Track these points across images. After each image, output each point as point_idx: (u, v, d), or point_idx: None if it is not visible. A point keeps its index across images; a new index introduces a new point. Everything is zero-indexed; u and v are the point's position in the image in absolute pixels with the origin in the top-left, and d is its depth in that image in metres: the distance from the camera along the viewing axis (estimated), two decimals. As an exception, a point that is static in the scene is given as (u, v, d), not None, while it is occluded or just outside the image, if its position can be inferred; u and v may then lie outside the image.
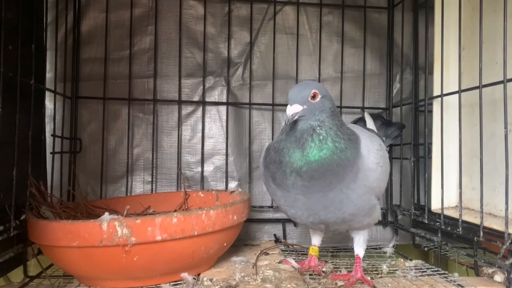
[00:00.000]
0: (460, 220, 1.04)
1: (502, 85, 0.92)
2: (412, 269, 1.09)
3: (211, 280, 0.93)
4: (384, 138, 1.25)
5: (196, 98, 1.47)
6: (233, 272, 0.98)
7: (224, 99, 1.47)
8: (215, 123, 1.48)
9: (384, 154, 0.98)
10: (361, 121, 1.30)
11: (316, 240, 1.10)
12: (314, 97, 0.87)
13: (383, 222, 1.46)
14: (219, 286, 0.90)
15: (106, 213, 0.87)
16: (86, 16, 1.42)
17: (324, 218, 0.91)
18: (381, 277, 1.05)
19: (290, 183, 0.87)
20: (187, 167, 1.46)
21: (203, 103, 1.47)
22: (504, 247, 0.90)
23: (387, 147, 1.24)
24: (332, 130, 0.87)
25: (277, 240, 1.39)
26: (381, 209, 1.22)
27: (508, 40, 0.92)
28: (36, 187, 1.05)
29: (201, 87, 1.47)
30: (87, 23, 1.42)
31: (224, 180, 1.44)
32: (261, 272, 0.99)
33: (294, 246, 1.33)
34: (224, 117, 1.46)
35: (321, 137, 0.86)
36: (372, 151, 0.92)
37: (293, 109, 0.85)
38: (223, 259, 1.10)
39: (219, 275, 0.98)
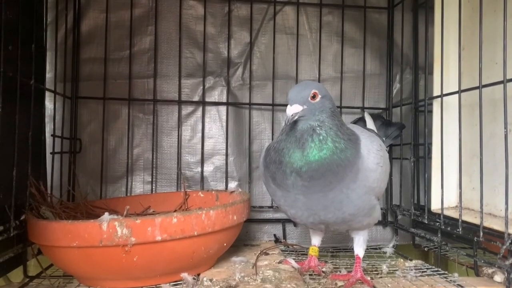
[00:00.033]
0: (460, 220, 1.04)
1: (502, 85, 0.92)
2: (412, 269, 1.09)
3: (211, 280, 0.93)
4: (384, 138, 1.25)
5: (196, 98, 1.47)
6: (233, 272, 0.98)
7: (224, 99, 1.47)
8: (215, 123, 1.48)
9: (384, 154, 0.98)
10: (361, 121, 1.30)
11: (316, 240, 1.10)
12: (314, 97, 0.87)
13: (383, 222, 1.46)
14: (219, 286, 0.90)
15: (106, 213, 0.87)
16: (86, 16, 1.42)
17: (324, 218, 0.91)
18: (381, 277, 1.05)
19: (290, 183, 0.87)
20: (187, 167, 1.46)
21: (203, 103, 1.47)
22: (504, 247, 0.90)
23: (387, 147, 1.24)
24: (332, 130, 0.87)
25: (277, 240, 1.39)
26: (381, 209, 1.22)
27: (508, 40, 0.92)
28: (36, 187, 1.05)
29: (201, 87, 1.47)
30: (87, 23, 1.42)
31: (224, 180, 1.44)
32: (261, 272, 0.99)
33: (294, 246, 1.33)
34: (224, 117, 1.46)
35: (321, 137, 0.86)
36: (372, 151, 0.91)
37: (293, 109, 0.85)
38: (223, 259, 1.10)
39: (219, 275, 0.98)
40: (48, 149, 1.25)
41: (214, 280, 0.93)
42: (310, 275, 1.03)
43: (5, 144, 0.95)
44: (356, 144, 0.89)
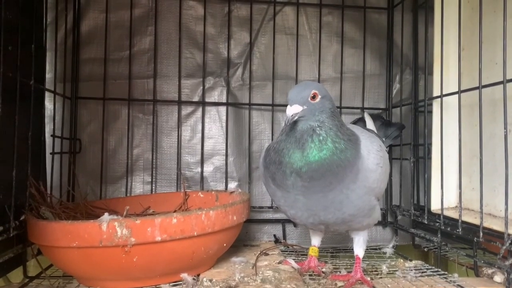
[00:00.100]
0: (459, 221, 1.04)
1: (501, 85, 0.92)
2: (411, 270, 1.09)
3: (210, 280, 0.93)
4: (384, 139, 1.25)
5: (196, 98, 1.47)
6: (232, 273, 0.98)
7: (224, 100, 1.47)
8: (215, 123, 1.48)
9: (384, 155, 0.98)
10: (361, 122, 1.30)
11: (315, 241, 1.10)
12: (314, 97, 0.87)
13: (382, 223, 1.46)
14: (218, 287, 0.90)
15: (106, 214, 0.87)
16: (86, 16, 1.42)
17: (324, 219, 0.91)
18: (381, 277, 1.05)
19: (290, 183, 0.87)
20: (187, 167, 1.46)
21: (203, 103, 1.47)
22: (504, 247, 0.90)
23: (387, 147, 1.24)
24: (332, 130, 0.87)
25: (276, 241, 1.39)
26: (381, 209, 1.22)
27: (508, 41, 0.92)
28: (35, 188, 1.05)
29: (201, 87, 1.47)
30: (87, 23, 1.42)
31: (224, 181, 1.44)
32: (260, 272, 0.99)
33: (294, 247, 1.33)
34: (224, 118, 1.46)
35: (321, 138, 0.86)
36: (372, 152, 0.91)
37: (293, 110, 0.85)
38: (223, 260, 1.10)
39: (219, 276, 0.98)
40: (48, 149, 1.25)
41: (214, 280, 0.93)
42: (310, 275, 1.03)
43: (5, 144, 0.95)
44: (356, 145, 0.89)
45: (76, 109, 1.39)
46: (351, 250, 1.05)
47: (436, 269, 1.10)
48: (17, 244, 1.01)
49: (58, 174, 1.28)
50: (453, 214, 1.13)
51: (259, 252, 1.17)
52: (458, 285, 0.97)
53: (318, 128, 0.86)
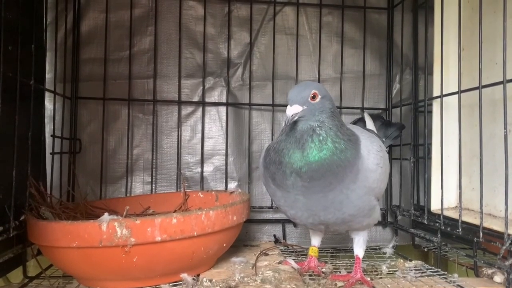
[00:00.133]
0: (459, 221, 1.04)
1: (501, 85, 0.92)
2: (411, 270, 1.09)
3: (210, 280, 0.93)
4: (384, 139, 1.25)
5: (196, 98, 1.47)
6: (232, 273, 0.98)
7: (224, 100, 1.47)
8: (215, 123, 1.48)
9: (384, 155, 0.98)
10: (360, 122, 1.30)
11: (315, 241, 1.10)
12: (314, 97, 0.87)
13: (382, 223, 1.46)
14: (218, 287, 0.90)
15: (106, 214, 0.87)
16: (86, 16, 1.42)
17: (324, 219, 0.91)
18: (381, 277, 1.05)
19: (290, 183, 0.87)
20: (187, 167, 1.46)
21: (202, 103, 1.47)
22: (504, 247, 0.90)
23: (387, 147, 1.24)
24: (332, 130, 0.87)
25: (276, 241, 1.39)
26: (381, 209, 1.22)
27: (508, 41, 0.92)
28: (35, 188, 1.05)
29: (201, 87, 1.47)
30: (87, 23, 1.42)
31: (224, 181, 1.44)
32: (260, 272, 0.99)
33: (294, 247, 1.33)
34: (224, 118, 1.46)
35: (321, 138, 0.86)
36: (372, 152, 0.91)
37: (293, 110, 0.85)
38: (223, 260, 1.10)
39: (219, 276, 0.98)
40: (48, 149, 1.25)
41: (213, 280, 0.93)
42: (310, 275, 1.03)
43: (5, 145, 0.95)
44: (356, 145, 0.89)
45: (76, 109, 1.39)
46: (351, 250, 1.05)
47: (436, 269, 1.10)
48: (17, 244, 1.01)
49: (58, 174, 1.28)
50: (453, 214, 1.13)
51: (259, 252, 1.17)
52: (458, 285, 0.97)
53: (318, 128, 0.86)
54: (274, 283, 0.91)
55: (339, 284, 0.96)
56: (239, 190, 1.23)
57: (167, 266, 0.92)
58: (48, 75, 1.31)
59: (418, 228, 1.35)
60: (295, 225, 1.43)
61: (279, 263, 1.07)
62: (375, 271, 1.11)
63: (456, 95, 1.09)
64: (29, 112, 1.06)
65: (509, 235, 0.90)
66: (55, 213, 1.07)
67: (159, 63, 1.46)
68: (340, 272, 1.05)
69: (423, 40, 1.30)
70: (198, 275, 0.99)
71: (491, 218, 1.06)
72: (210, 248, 0.97)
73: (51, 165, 1.25)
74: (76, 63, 1.39)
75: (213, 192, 1.29)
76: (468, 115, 1.15)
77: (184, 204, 1.30)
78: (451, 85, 1.15)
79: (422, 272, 1.08)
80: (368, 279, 0.98)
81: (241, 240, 1.33)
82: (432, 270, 1.10)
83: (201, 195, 1.30)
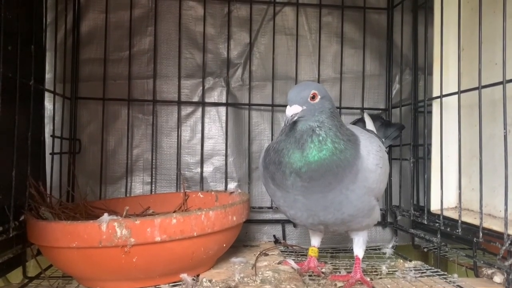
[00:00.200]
0: (459, 221, 1.04)
1: (501, 86, 0.92)
2: (411, 270, 1.09)
3: (210, 281, 0.93)
4: (383, 139, 1.25)
5: (196, 98, 1.47)
6: (232, 273, 0.98)
7: (223, 100, 1.47)
8: (215, 123, 1.48)
9: (383, 155, 0.98)
10: (360, 122, 1.30)
11: (315, 241, 1.10)
12: (313, 97, 0.87)
13: (382, 223, 1.46)
14: (218, 287, 0.90)
15: (106, 214, 0.87)
16: (86, 16, 1.42)
17: (324, 219, 0.91)
18: (381, 278, 1.05)
19: (289, 183, 0.87)
20: (187, 167, 1.46)
21: (202, 103, 1.47)
22: (504, 248, 0.90)
23: (386, 148, 1.25)
24: (332, 131, 0.87)
25: (276, 241, 1.39)
26: (381, 210, 1.22)
27: (507, 41, 0.92)
28: (35, 188, 1.05)
29: (201, 87, 1.47)
30: (87, 23, 1.42)
31: (224, 181, 1.44)
32: (260, 273, 0.99)
33: (294, 247, 1.33)
34: (224, 118, 1.46)
35: (320, 138, 0.86)
36: (372, 152, 0.91)
37: (292, 110, 0.85)
38: (223, 260, 1.10)
39: (219, 276, 0.98)
40: (48, 149, 1.25)
41: (213, 281, 0.93)
42: (310, 276, 1.03)
43: (5, 145, 0.95)
44: (355, 145, 0.89)
45: (75, 109, 1.39)
46: (350, 250, 1.05)
47: (435, 270, 1.10)
48: (16, 245, 1.01)
49: (58, 174, 1.28)
50: (453, 215, 1.13)
51: (258, 253, 1.17)
52: (458, 285, 0.97)
53: (317, 129, 0.86)
54: (274, 283, 0.91)
55: (339, 284, 0.96)
56: (239, 191, 1.23)
57: (167, 267, 0.92)
58: (48, 75, 1.31)
59: (417, 228, 1.35)
60: (294, 225, 1.43)
61: (279, 263, 1.07)
62: (375, 271, 1.11)
63: (456, 96, 1.09)
64: (29, 112, 1.06)
65: (508, 235, 0.90)
66: (55, 214, 1.07)
67: (159, 63, 1.46)
68: (339, 273, 1.05)
69: (423, 40, 1.30)
70: (198, 276, 0.99)
71: (491, 218, 1.06)
72: (209, 248, 0.97)
73: (51, 166, 1.25)
74: (76, 63, 1.39)
75: (212, 193, 1.29)
76: (468, 115, 1.15)
77: (183, 205, 1.30)
78: (451, 85, 1.15)
79: (422, 273, 1.08)
80: (368, 279, 0.98)
81: (240, 241, 1.33)
82: (431, 271, 1.10)
83: (201, 196, 1.30)
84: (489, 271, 1.02)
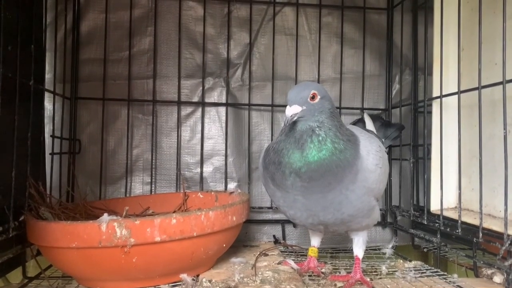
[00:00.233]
0: (459, 221, 1.04)
1: (501, 86, 0.92)
2: (411, 270, 1.09)
3: (210, 281, 0.93)
4: (383, 139, 1.25)
5: (196, 99, 1.47)
6: (232, 273, 0.98)
7: (223, 100, 1.47)
8: (215, 124, 1.48)
9: (383, 155, 0.98)
10: (360, 123, 1.30)
11: (315, 241, 1.10)
12: (313, 98, 0.87)
13: (382, 223, 1.46)
14: (218, 287, 0.90)
15: (105, 214, 0.87)
16: (86, 16, 1.42)
17: (323, 219, 0.91)
18: (380, 278, 1.05)
19: (289, 183, 0.87)
20: (187, 168, 1.46)
21: (202, 104, 1.47)
22: (503, 248, 0.90)
23: (386, 148, 1.24)
24: (331, 131, 0.87)
25: (276, 241, 1.39)
26: (380, 210, 1.22)
27: (507, 41, 0.92)
28: (35, 188, 1.05)
29: (201, 88, 1.47)
30: (87, 24, 1.42)
31: (224, 181, 1.44)
32: (260, 273, 0.99)
33: (293, 247, 1.33)
34: (224, 118, 1.46)
35: (320, 138, 0.86)
36: (371, 152, 0.91)
37: (292, 110, 0.85)
38: (222, 260, 1.10)
39: (218, 276, 0.98)
40: (48, 149, 1.25)
41: (213, 281, 0.93)
42: (310, 276, 1.03)
43: (5, 145, 0.95)
44: (355, 145, 0.89)
45: (75, 110, 1.39)
46: (350, 250, 1.05)
47: (435, 270, 1.10)
48: (16, 245, 1.01)
49: (58, 174, 1.28)
50: (453, 215, 1.13)
51: (258, 253, 1.17)
52: (458, 285, 0.97)
53: (317, 129, 0.86)
54: (273, 283, 0.91)
55: (339, 284, 0.96)
56: (239, 191, 1.23)
57: (167, 267, 0.92)
58: (48, 76, 1.31)
59: (417, 228, 1.35)
60: (294, 225, 1.43)
61: (279, 263, 1.07)
62: (375, 271, 1.11)
63: (456, 96, 1.09)
64: (29, 112, 1.06)
65: (508, 235, 0.90)
66: (55, 214, 1.07)
67: (159, 64, 1.46)
68: (339, 273, 1.05)
69: (423, 40, 1.30)
70: (198, 276, 0.99)
71: (491, 218, 1.06)
72: (209, 248, 0.97)
73: (51, 166, 1.25)
74: (76, 64, 1.39)
75: (212, 193, 1.29)
76: (468, 116, 1.15)
77: (183, 205, 1.30)
78: (451, 86, 1.15)
79: (422, 273, 1.08)
80: (368, 279, 0.98)
81: (240, 241, 1.33)
82: (431, 271, 1.10)
83: (201, 196, 1.30)
84: (489, 271, 1.02)
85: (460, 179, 1.07)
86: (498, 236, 0.94)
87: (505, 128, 0.92)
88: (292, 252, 1.29)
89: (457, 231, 1.05)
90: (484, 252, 1.11)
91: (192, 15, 1.47)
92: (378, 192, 0.96)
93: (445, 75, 1.14)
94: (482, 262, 1.02)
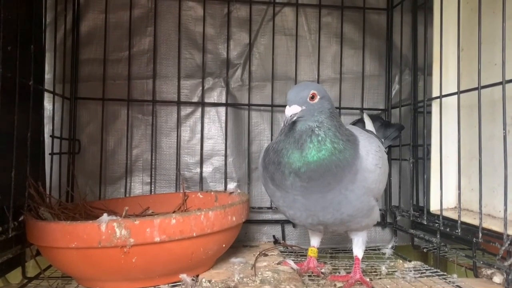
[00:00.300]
0: (459, 221, 1.04)
1: (501, 86, 0.92)
2: (411, 270, 1.09)
3: (209, 281, 0.93)
4: (383, 140, 1.25)
5: (195, 99, 1.47)
6: (232, 273, 0.98)
7: (223, 100, 1.47)
8: (214, 124, 1.48)
9: (382, 156, 0.98)
10: (360, 123, 1.30)
11: (315, 241, 1.10)
12: (313, 98, 0.87)
13: (382, 223, 1.46)
14: (217, 287, 0.90)
15: (105, 214, 0.87)
16: (85, 17, 1.42)
17: (323, 219, 0.91)
18: (380, 278, 1.05)
19: (288, 184, 0.87)
20: (186, 168, 1.46)
21: (202, 104, 1.47)
22: (503, 248, 0.90)
23: (386, 148, 1.24)
24: (331, 131, 0.87)
25: (276, 241, 1.39)
26: (380, 210, 1.22)
27: (507, 41, 0.92)
28: (34, 188, 1.05)
29: (200, 88, 1.47)
30: (86, 24, 1.42)
31: (223, 181, 1.44)
32: (260, 273, 0.99)
33: (293, 247, 1.33)
34: (223, 118, 1.46)
35: (319, 138, 0.86)
36: (371, 152, 0.91)
37: (292, 110, 0.85)
38: (222, 260, 1.10)
39: (218, 276, 0.98)
40: (47, 149, 1.25)
41: (213, 281, 0.93)
42: (309, 276, 1.03)
43: (4, 145, 0.95)
44: (354, 145, 0.89)
45: (75, 110, 1.39)
46: (350, 250, 1.05)
47: (435, 270, 1.10)
48: (16, 245, 1.01)
49: (57, 174, 1.28)
50: (452, 215, 1.13)
51: (258, 253, 1.17)
52: (457, 285, 0.97)
53: (317, 129, 0.86)
54: (273, 283, 0.91)
55: (338, 284, 0.96)
56: (238, 191, 1.23)
57: (166, 267, 0.92)
58: (48, 76, 1.31)
59: (417, 228, 1.35)
60: (294, 225, 1.43)
61: (278, 263, 1.07)
62: (374, 271, 1.11)
63: (455, 96, 1.09)
64: (28, 112, 1.06)
65: (508, 235, 0.90)
66: (54, 214, 1.07)
67: (159, 64, 1.46)
68: (339, 273, 1.05)
69: (423, 40, 1.30)
70: (197, 276, 0.99)
71: (490, 218, 1.06)
72: (209, 248, 0.97)
73: (50, 166, 1.25)
74: (76, 64, 1.39)
75: (212, 193, 1.29)
76: (467, 116, 1.15)
77: (183, 205, 1.30)
78: (450, 86, 1.15)
79: (421, 273, 1.08)
80: (368, 279, 0.98)
81: (240, 241, 1.32)
82: (431, 271, 1.10)
83: (201, 196, 1.30)
84: (489, 272, 1.02)
85: (459, 179, 1.07)
86: (497, 236, 0.94)
87: (504, 128, 0.92)
88: (291, 252, 1.29)
89: (457, 231, 1.05)
90: (484, 252, 1.11)
91: (192, 15, 1.47)
92: (378, 192, 0.96)
93: (445, 75, 1.14)
94: (481, 262, 1.02)
